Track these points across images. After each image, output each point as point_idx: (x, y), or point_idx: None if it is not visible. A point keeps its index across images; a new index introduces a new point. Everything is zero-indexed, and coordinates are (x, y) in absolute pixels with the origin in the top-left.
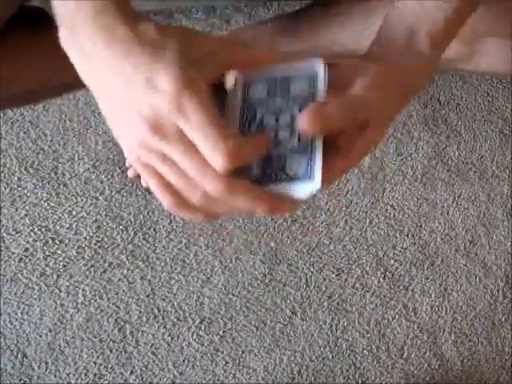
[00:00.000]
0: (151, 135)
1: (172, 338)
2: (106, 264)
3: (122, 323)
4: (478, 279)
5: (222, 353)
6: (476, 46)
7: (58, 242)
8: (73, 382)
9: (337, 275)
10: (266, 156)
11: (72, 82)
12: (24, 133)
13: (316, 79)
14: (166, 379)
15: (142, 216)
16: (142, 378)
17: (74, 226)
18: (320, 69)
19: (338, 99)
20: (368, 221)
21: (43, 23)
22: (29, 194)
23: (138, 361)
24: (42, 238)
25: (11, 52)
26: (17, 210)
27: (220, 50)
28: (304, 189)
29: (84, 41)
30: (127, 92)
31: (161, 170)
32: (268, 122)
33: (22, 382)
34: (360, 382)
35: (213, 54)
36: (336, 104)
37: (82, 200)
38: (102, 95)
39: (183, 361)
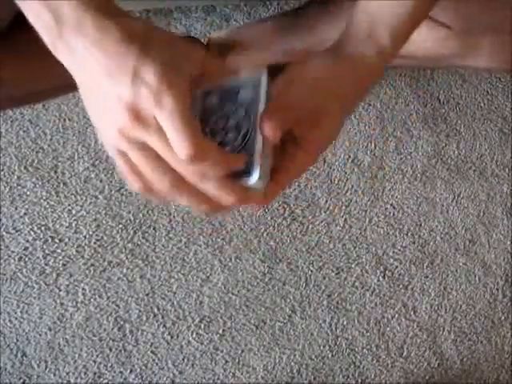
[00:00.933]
0: (131, 122)
1: (171, 337)
2: (106, 263)
3: (122, 322)
4: (477, 278)
5: (222, 351)
6: (473, 42)
7: (57, 241)
8: (72, 380)
9: (336, 274)
10: None
11: (74, 83)
12: (24, 131)
13: (259, 87)
14: (165, 378)
15: (141, 215)
16: (142, 377)
17: (73, 225)
18: (263, 77)
19: (272, 107)
20: (367, 220)
21: None
22: (28, 193)
23: (138, 359)
24: (41, 236)
25: (13, 53)
26: (16, 208)
27: (194, 51)
28: (246, 182)
29: (70, 31)
30: (112, 80)
31: (135, 157)
32: (219, 125)
33: (21, 380)
34: (360, 380)
35: (189, 54)
36: (272, 112)
37: (82, 199)
38: (87, 84)
39: (183, 360)
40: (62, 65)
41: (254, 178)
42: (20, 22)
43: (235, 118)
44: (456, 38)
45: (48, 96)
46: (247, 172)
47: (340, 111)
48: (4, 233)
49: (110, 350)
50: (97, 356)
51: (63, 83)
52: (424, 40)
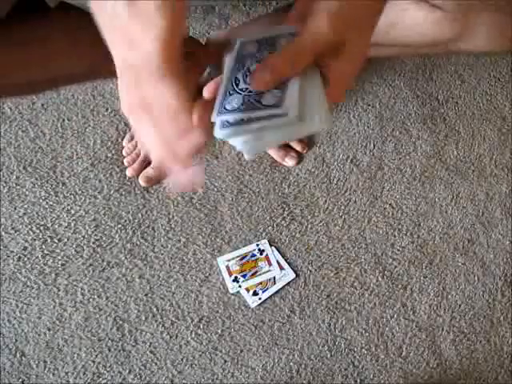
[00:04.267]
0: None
1: (170, 337)
2: (105, 263)
3: (121, 322)
4: (476, 278)
5: (221, 351)
6: (469, 24)
7: (56, 241)
8: (71, 380)
9: (335, 274)
10: (248, 92)
11: (73, 75)
12: (22, 131)
13: (295, 35)
14: (164, 378)
15: (140, 215)
16: (141, 377)
17: (72, 225)
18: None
19: (282, 51)
20: (366, 219)
21: (42, 12)
22: (27, 193)
23: (137, 359)
24: (40, 236)
25: (12, 41)
26: (15, 208)
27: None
28: (276, 113)
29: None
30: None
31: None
32: (253, 69)
33: (20, 380)
34: (358, 380)
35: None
36: (279, 59)
37: (81, 199)
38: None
39: (182, 359)
40: (62, 55)
41: (285, 111)
42: (18, 10)
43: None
44: (451, 20)
45: (47, 86)
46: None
47: (359, 38)
48: (3, 233)
49: (109, 349)
50: (96, 356)
51: (63, 74)
52: (419, 24)
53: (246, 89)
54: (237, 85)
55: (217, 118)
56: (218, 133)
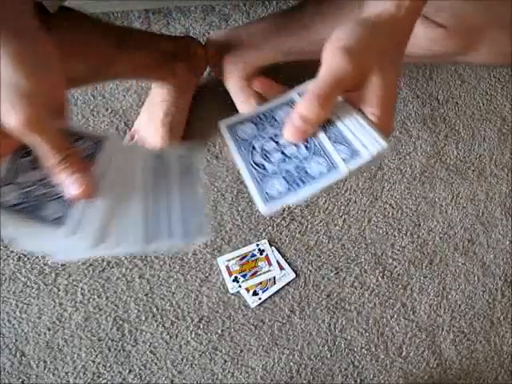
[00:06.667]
0: None
1: (171, 337)
2: (105, 263)
3: (121, 322)
4: (476, 278)
5: (221, 351)
6: (470, 40)
7: None
8: (71, 380)
9: (335, 274)
10: (287, 172)
11: (70, 79)
12: None
13: (294, 102)
14: (164, 378)
15: None
16: (141, 377)
17: None
18: (295, 95)
19: (305, 99)
20: (366, 219)
21: (42, 17)
22: None
23: (137, 359)
24: None
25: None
26: None
27: None
28: (334, 178)
29: None
30: None
31: None
32: (270, 147)
33: (20, 380)
34: (358, 380)
35: None
36: (303, 105)
37: None
38: None
39: (182, 359)
40: (62, 60)
41: (342, 173)
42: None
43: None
44: (452, 37)
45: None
46: None
47: (388, 65)
48: None
49: (109, 349)
50: (96, 356)
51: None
52: (420, 40)
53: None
54: (264, 169)
55: (266, 208)
56: (266, 210)
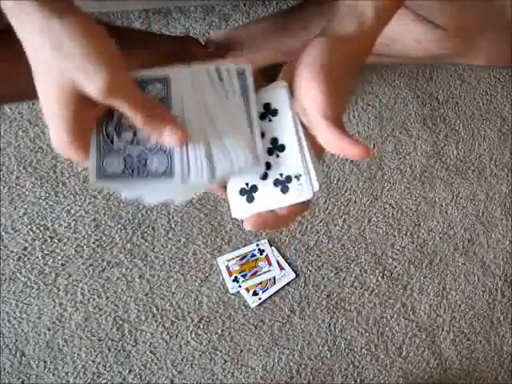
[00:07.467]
0: None
1: (170, 337)
2: (105, 263)
3: (121, 322)
4: (476, 278)
5: (221, 351)
6: (470, 42)
7: (56, 241)
8: (71, 380)
9: (335, 274)
10: (129, 155)
11: None
12: (23, 131)
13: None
14: (164, 378)
15: (140, 215)
16: (141, 377)
17: (72, 225)
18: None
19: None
20: (367, 219)
21: None
22: (27, 193)
23: (137, 359)
24: (40, 236)
25: (10, 51)
26: (15, 208)
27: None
28: (168, 183)
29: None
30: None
31: None
32: (125, 122)
33: (20, 380)
34: (358, 380)
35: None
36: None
37: (81, 199)
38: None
39: (182, 359)
40: None
41: (177, 181)
42: None
43: None
44: (451, 38)
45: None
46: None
47: (337, 89)
48: (3, 233)
49: (109, 349)
50: (96, 356)
51: None
52: (419, 42)
53: (123, 149)
54: (111, 141)
55: (97, 182)
56: (94, 183)
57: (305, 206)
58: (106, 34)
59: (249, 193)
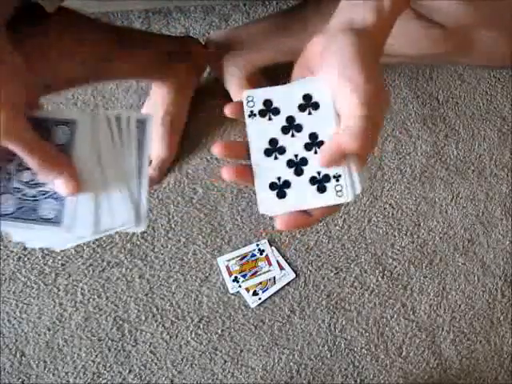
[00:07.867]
0: None
1: (170, 337)
2: (105, 263)
3: (121, 322)
4: (476, 278)
5: (221, 351)
6: (469, 40)
7: None
8: (71, 380)
9: (335, 274)
10: (23, 195)
11: (70, 78)
12: None
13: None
14: (164, 378)
15: None
16: (141, 377)
17: None
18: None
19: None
20: (367, 219)
21: (41, 18)
22: None
23: (137, 359)
24: None
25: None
26: None
27: None
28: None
29: None
30: None
31: None
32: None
33: (20, 380)
34: (358, 380)
35: None
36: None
37: None
38: None
39: (182, 359)
40: (61, 60)
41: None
42: (17, 18)
43: None
44: (450, 36)
45: (46, 92)
46: None
47: (366, 78)
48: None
49: (109, 349)
50: (96, 356)
51: (62, 78)
52: (419, 40)
53: (19, 189)
54: (8, 180)
55: None
56: None
57: (337, 207)
58: (15, 71)
59: (280, 188)
